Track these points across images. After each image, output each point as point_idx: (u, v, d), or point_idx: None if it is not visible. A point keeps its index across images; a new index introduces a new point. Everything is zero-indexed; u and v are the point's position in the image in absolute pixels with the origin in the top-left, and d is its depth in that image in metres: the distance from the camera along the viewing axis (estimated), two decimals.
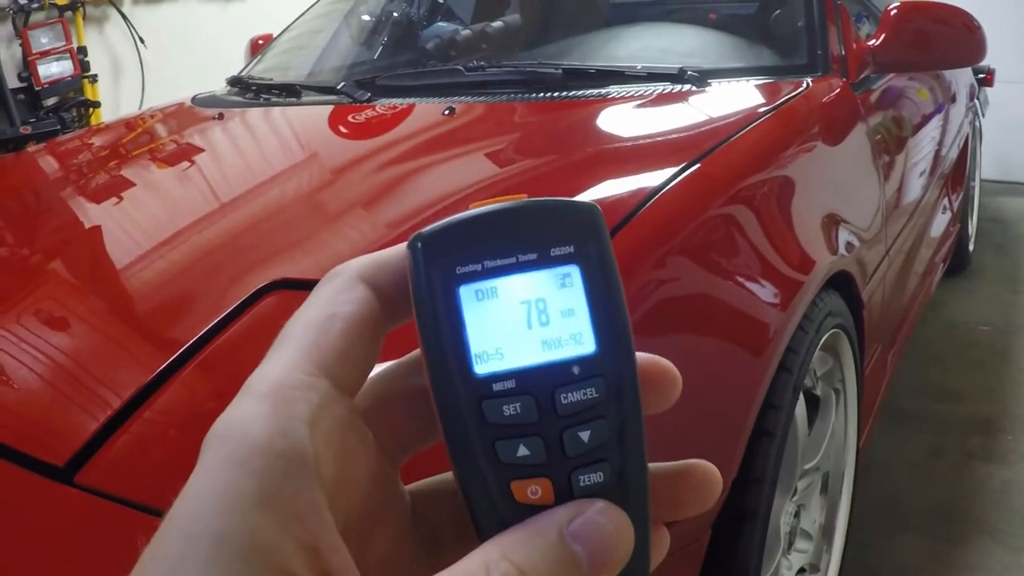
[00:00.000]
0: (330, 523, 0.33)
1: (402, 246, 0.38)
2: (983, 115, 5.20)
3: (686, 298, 1.28)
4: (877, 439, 2.68)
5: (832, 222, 1.73)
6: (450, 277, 0.36)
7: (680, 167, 1.43)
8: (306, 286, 1.23)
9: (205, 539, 0.30)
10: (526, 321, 0.36)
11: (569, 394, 0.36)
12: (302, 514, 0.32)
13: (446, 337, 0.36)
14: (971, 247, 4.51)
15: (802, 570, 1.73)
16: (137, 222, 1.65)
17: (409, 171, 1.69)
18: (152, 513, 0.92)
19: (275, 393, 0.34)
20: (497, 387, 0.36)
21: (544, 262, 0.36)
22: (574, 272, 0.37)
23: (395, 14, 2.95)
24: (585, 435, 0.36)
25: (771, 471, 1.33)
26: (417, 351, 0.38)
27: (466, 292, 0.36)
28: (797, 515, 1.66)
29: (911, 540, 2.29)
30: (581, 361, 0.36)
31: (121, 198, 1.78)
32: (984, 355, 3.48)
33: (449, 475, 0.40)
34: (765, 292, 1.42)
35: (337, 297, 0.38)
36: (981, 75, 5.08)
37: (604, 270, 0.37)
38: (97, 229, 1.67)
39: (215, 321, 1.16)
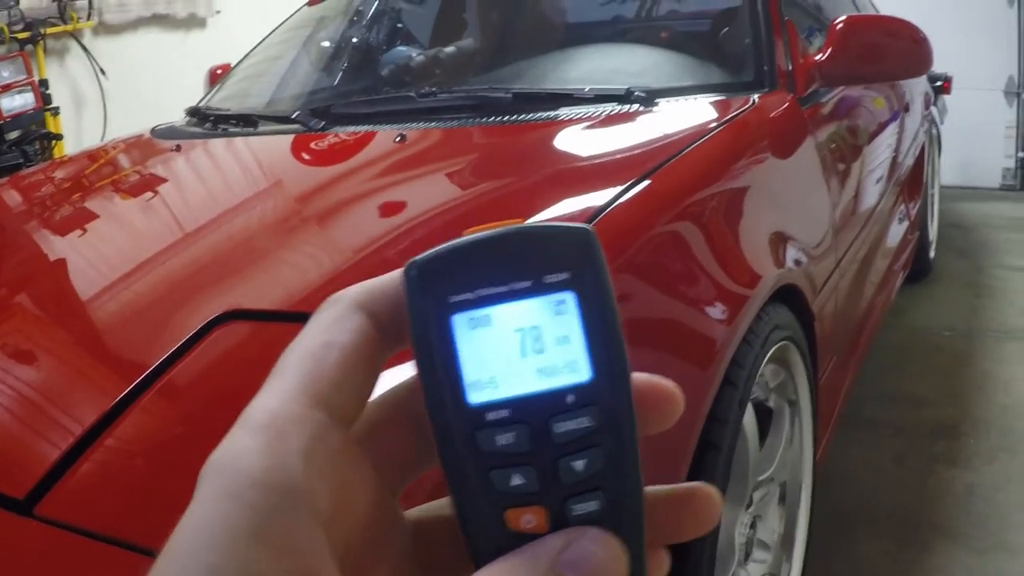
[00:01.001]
0: (326, 556, 0.33)
1: (399, 273, 0.37)
2: (942, 122, 5.25)
3: (631, 314, 1.30)
4: (841, 447, 2.70)
5: (779, 236, 1.75)
6: (443, 305, 0.36)
7: (627, 185, 1.45)
8: (258, 316, 1.25)
9: (200, 573, 0.30)
10: (520, 349, 0.36)
11: (563, 423, 0.36)
12: (297, 547, 0.32)
13: (440, 366, 0.36)
14: (932, 253, 4.55)
15: None
16: (98, 254, 1.67)
17: (359, 200, 1.70)
18: (113, 544, 0.93)
19: (270, 426, 0.34)
20: (491, 416, 0.36)
21: (538, 289, 0.36)
22: (569, 299, 0.36)
23: (354, 39, 2.97)
24: (579, 464, 0.36)
25: (718, 484, 1.34)
26: (415, 376, 0.38)
27: (459, 321, 0.36)
28: (753, 526, 1.67)
29: (876, 546, 2.31)
30: (576, 389, 0.36)
31: (83, 231, 1.80)
32: (947, 360, 3.51)
33: (448, 500, 0.40)
34: (710, 307, 1.44)
35: (333, 326, 0.37)
36: (938, 83, 5.13)
37: (599, 296, 0.37)
38: (60, 262, 1.68)
39: (169, 352, 1.17)
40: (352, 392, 0.37)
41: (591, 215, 1.35)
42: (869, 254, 2.69)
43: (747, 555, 1.66)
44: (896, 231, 3.32)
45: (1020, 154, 6.60)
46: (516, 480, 0.36)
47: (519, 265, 0.36)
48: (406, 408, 0.40)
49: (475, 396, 0.36)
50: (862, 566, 2.24)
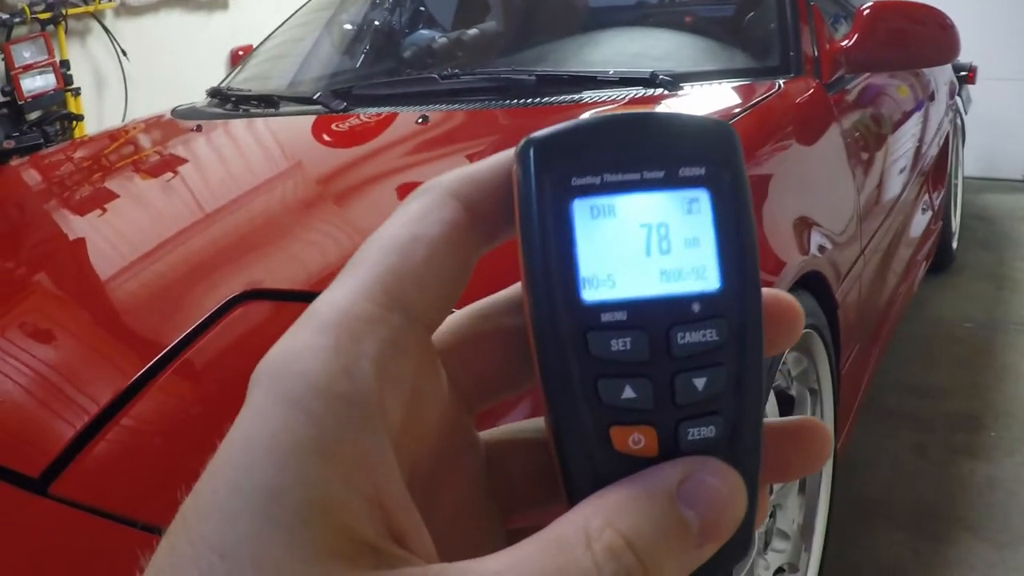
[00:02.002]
0: (397, 477, 0.29)
1: (498, 159, 0.34)
2: (966, 112, 5.21)
3: None
4: (862, 437, 2.69)
5: (804, 223, 1.73)
6: (563, 188, 0.32)
7: None
8: (278, 296, 1.24)
9: (258, 493, 0.26)
10: (645, 247, 0.32)
11: (686, 334, 0.32)
12: (367, 466, 0.28)
13: (553, 256, 0.32)
14: (955, 244, 4.53)
15: (780, 570, 1.73)
16: (117, 234, 1.66)
17: (380, 181, 1.70)
18: (127, 524, 0.92)
19: (340, 325, 0.30)
20: (606, 318, 0.32)
21: (671, 182, 0.32)
22: (703, 197, 0.33)
23: (376, 22, 2.96)
24: (700, 382, 0.32)
25: None
26: (509, 290, 0.35)
27: (580, 207, 0.32)
28: (772, 515, 1.66)
29: (894, 537, 2.30)
30: (703, 298, 0.32)
31: (103, 210, 1.79)
32: (968, 352, 3.49)
33: (530, 424, 0.38)
34: None
35: (423, 217, 0.33)
36: (963, 72, 5.09)
37: (737, 199, 0.33)
38: (79, 241, 1.68)
39: (188, 331, 1.16)
40: (437, 294, 0.32)
41: None
42: (892, 243, 2.67)
43: (766, 544, 1.64)
44: (919, 221, 3.30)
45: None
46: (627, 393, 0.32)
47: (653, 153, 0.32)
48: (497, 322, 0.36)
49: (590, 294, 0.32)
50: (881, 557, 2.23)
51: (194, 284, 1.35)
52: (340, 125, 2.06)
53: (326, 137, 2.07)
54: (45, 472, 0.99)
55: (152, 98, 4.68)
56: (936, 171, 3.70)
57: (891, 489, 2.52)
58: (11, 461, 1.02)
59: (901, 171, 2.80)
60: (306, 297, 1.21)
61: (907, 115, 3.00)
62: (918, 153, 3.15)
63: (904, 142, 2.88)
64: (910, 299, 3.30)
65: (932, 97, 3.57)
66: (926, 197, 3.45)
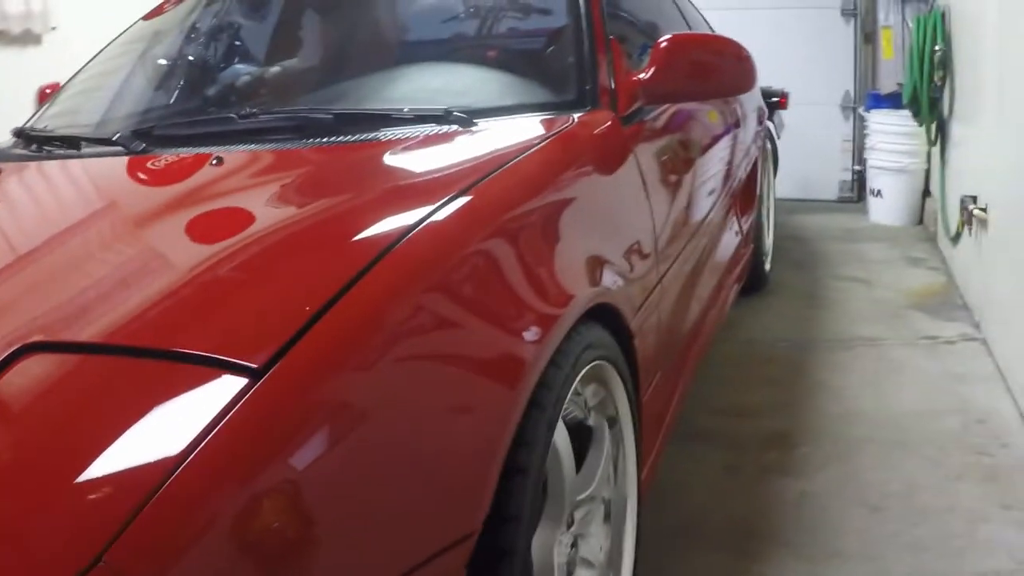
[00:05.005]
0: None
1: None
2: (779, 137, 5.39)
3: (439, 334, 1.29)
4: (673, 460, 2.72)
5: (596, 255, 1.76)
6: None
7: (440, 203, 1.45)
8: (64, 348, 1.20)
9: None
10: None
11: None
12: None
13: None
14: (767, 266, 4.66)
15: None
16: None
17: (171, 225, 1.66)
18: None
19: None
20: None
21: None
22: None
23: (189, 56, 2.90)
24: None
25: (526, 508, 1.33)
26: None
27: None
28: (575, 545, 1.67)
29: (710, 558, 2.33)
30: None
31: None
32: (781, 371, 3.58)
33: None
34: (520, 326, 1.43)
35: None
36: (775, 98, 5.27)
37: None
38: None
39: None
40: None
41: (403, 232, 1.34)
42: (697, 268, 2.72)
43: (570, 575, 1.65)
44: (728, 245, 3.38)
45: (856, 167, 6.80)
46: None
47: None
48: None
49: None
50: None
51: None
52: (142, 167, 2.02)
53: (125, 181, 2.02)
54: None
55: None
56: (745, 195, 3.79)
57: (704, 510, 2.56)
58: None
59: (708, 195, 2.87)
60: (96, 350, 1.18)
61: (714, 140, 3.08)
62: (726, 177, 3.23)
63: (710, 167, 2.96)
64: (722, 322, 3.37)
65: (740, 123, 3.67)
66: (735, 221, 3.54)
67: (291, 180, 1.85)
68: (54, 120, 2.59)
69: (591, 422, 1.74)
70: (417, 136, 1.91)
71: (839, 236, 5.78)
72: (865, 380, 3.44)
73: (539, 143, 1.84)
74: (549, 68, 2.39)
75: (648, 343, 2.03)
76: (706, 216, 2.84)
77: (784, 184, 5.69)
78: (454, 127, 1.95)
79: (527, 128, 1.98)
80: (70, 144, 2.29)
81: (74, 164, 2.17)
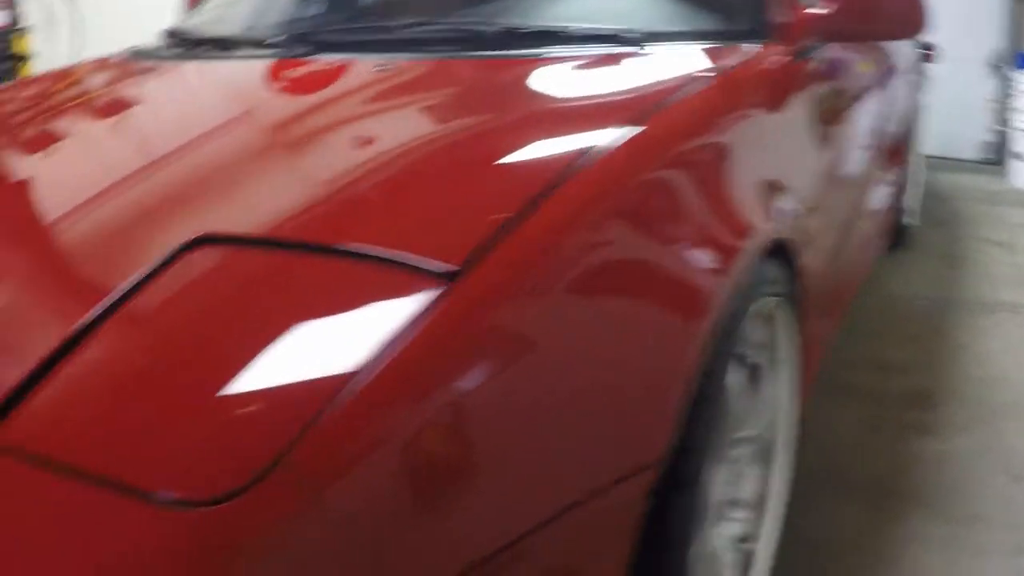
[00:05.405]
0: None
1: None
2: (925, 91, 5.23)
3: (620, 262, 1.25)
4: (814, 411, 2.67)
5: (772, 190, 1.70)
6: None
7: (617, 129, 1.40)
8: (231, 242, 1.19)
9: None
10: None
11: None
12: None
13: None
14: (912, 222, 4.54)
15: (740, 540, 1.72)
16: (65, 176, 1.61)
17: (334, 129, 1.65)
18: (71, 473, 0.87)
19: None
20: None
21: None
22: None
23: None
24: None
25: (705, 439, 1.30)
26: None
27: None
28: (730, 484, 1.64)
29: (849, 511, 2.29)
30: None
31: (48, 152, 1.74)
32: (921, 328, 3.50)
33: None
34: (702, 258, 1.39)
35: None
36: (923, 51, 5.11)
37: None
38: (23, 183, 1.62)
39: (136, 277, 1.11)
40: None
41: (580, 156, 1.30)
42: (854, 217, 2.65)
43: (724, 514, 1.62)
44: (879, 196, 3.29)
45: (1000, 128, 6.58)
46: None
47: None
48: None
49: None
50: (835, 529, 2.21)
51: (144, 230, 1.29)
52: (297, 71, 2.01)
53: (283, 82, 2.01)
54: None
55: (104, 38, 4.57)
56: (896, 148, 3.69)
57: (844, 464, 2.51)
58: None
59: (863, 146, 2.78)
60: (260, 243, 1.17)
61: (869, 90, 2.98)
62: (879, 129, 3.14)
63: (866, 117, 2.87)
64: (868, 273, 3.30)
65: (895, 73, 3.55)
66: (886, 173, 3.45)
67: (462, 91, 1.82)
68: (203, 24, 2.61)
69: (756, 360, 1.70)
70: (587, 56, 1.86)
71: (979, 197, 5.61)
72: (1008, 346, 3.34)
73: (714, 73, 1.78)
74: None
75: (812, 285, 1.97)
76: (864, 164, 2.76)
77: (927, 140, 5.53)
78: (625, 49, 1.89)
79: (699, 56, 1.92)
80: (225, 46, 2.29)
81: (230, 65, 2.17)
